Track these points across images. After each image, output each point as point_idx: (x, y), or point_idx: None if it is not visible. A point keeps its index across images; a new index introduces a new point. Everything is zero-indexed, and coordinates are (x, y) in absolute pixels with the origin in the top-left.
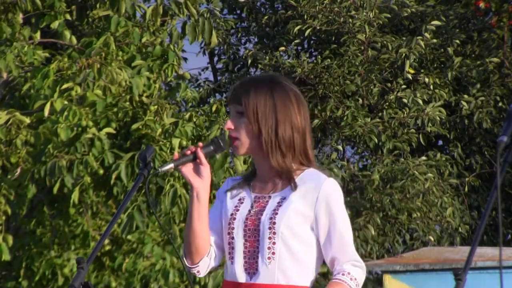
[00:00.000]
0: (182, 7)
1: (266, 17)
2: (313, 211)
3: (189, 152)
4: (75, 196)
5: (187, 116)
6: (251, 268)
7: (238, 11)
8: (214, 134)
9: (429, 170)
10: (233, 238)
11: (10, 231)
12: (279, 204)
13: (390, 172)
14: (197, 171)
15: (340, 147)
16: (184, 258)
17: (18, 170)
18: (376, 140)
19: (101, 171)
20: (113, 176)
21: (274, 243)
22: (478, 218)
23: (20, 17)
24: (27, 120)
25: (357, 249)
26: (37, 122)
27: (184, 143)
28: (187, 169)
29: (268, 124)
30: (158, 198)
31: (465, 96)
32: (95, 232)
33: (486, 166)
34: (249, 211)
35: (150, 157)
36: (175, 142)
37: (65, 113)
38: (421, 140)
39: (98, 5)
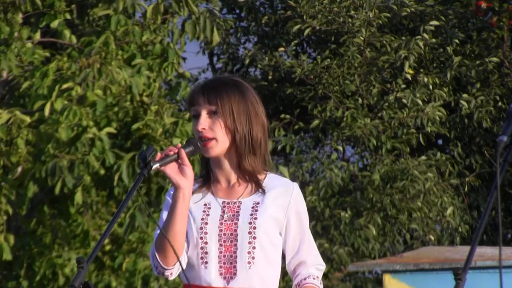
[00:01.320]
0: (183, 5)
1: (265, 17)
2: (284, 216)
3: (171, 152)
4: (78, 198)
5: (187, 116)
6: (228, 272)
7: (237, 11)
8: None
9: (429, 170)
10: (206, 242)
11: (11, 231)
12: (255, 209)
13: (390, 172)
14: (181, 171)
15: (340, 147)
16: (158, 259)
17: (19, 169)
18: (375, 142)
19: (102, 171)
20: (116, 177)
21: (254, 247)
22: (478, 217)
23: (19, 16)
24: (28, 119)
25: (358, 249)
26: (37, 122)
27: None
28: (171, 169)
29: (243, 124)
30: (159, 198)
31: (465, 95)
32: (95, 232)
33: (486, 165)
34: (221, 216)
35: (150, 157)
36: (176, 142)
37: (65, 112)
38: (421, 140)
39: (98, 4)
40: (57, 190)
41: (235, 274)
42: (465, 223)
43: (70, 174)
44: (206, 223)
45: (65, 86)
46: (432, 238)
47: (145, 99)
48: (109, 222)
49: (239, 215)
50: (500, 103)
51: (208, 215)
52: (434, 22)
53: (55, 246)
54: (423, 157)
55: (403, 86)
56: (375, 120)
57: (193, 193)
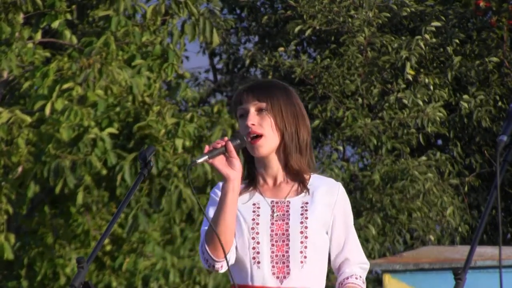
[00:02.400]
0: (183, 6)
1: (266, 17)
2: (331, 215)
3: (219, 145)
4: (79, 198)
5: (188, 116)
6: (281, 272)
7: (238, 11)
8: (216, 135)
9: (429, 170)
10: (258, 242)
11: (11, 230)
12: (305, 208)
13: (390, 172)
14: (229, 163)
15: (340, 147)
16: (209, 252)
17: (19, 169)
18: (375, 142)
19: (104, 171)
20: (118, 178)
21: (306, 247)
22: (478, 217)
23: (20, 17)
24: (29, 119)
25: None
26: (38, 122)
27: (188, 143)
28: (220, 162)
29: (291, 123)
30: (161, 198)
31: (465, 96)
32: (96, 232)
33: (485, 165)
34: (272, 216)
35: (150, 157)
36: (178, 142)
37: (66, 113)
38: (421, 140)
39: (98, 5)
40: (57, 189)
41: (288, 273)
42: (465, 223)
43: (72, 174)
44: (257, 223)
45: (65, 86)
46: (432, 238)
47: (147, 99)
48: (109, 222)
49: (289, 214)
50: (500, 103)
51: (258, 215)
52: (435, 23)
53: (55, 246)
54: (423, 157)
55: (404, 86)
56: (376, 120)
57: (239, 194)
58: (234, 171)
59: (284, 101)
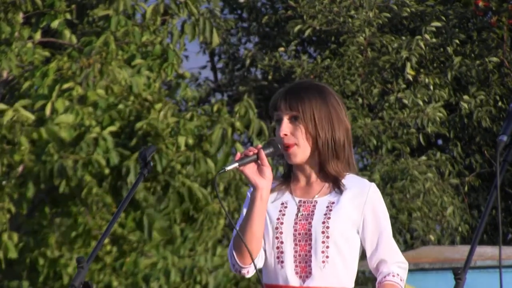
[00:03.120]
0: (183, 6)
1: (266, 17)
2: (360, 215)
3: (251, 153)
4: (84, 194)
5: (188, 116)
6: (303, 271)
7: (239, 11)
8: (216, 134)
9: (429, 170)
10: (282, 242)
11: (13, 230)
12: (329, 208)
13: (390, 172)
14: (259, 171)
15: None
16: (236, 258)
17: (20, 168)
18: (375, 142)
19: (107, 171)
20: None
21: (327, 247)
22: (478, 217)
23: (20, 16)
24: (32, 117)
25: None
26: (38, 121)
27: (190, 141)
28: (250, 170)
29: (325, 129)
30: (165, 196)
31: (465, 96)
32: (97, 232)
33: (485, 165)
34: (296, 215)
35: (150, 157)
36: (181, 140)
37: (68, 112)
38: (421, 140)
39: (98, 5)
40: (61, 188)
41: (310, 273)
42: (465, 223)
43: (75, 174)
44: (282, 223)
45: (65, 86)
46: (432, 238)
47: (149, 97)
48: (109, 222)
49: (313, 214)
50: (500, 103)
51: (284, 214)
52: (436, 23)
53: (59, 246)
54: (423, 157)
55: (404, 86)
56: (376, 120)
57: (272, 191)
58: (264, 179)
59: (317, 107)
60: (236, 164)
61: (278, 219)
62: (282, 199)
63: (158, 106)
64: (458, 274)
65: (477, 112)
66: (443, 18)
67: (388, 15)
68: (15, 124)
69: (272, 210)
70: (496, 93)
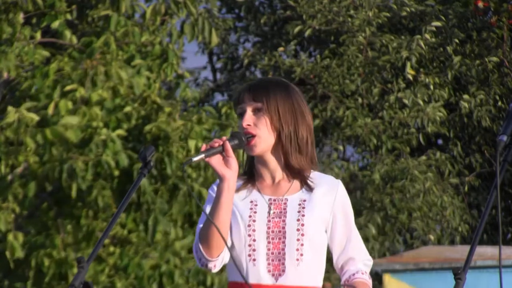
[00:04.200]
0: (182, 6)
1: (264, 17)
2: (330, 213)
3: (216, 144)
4: (93, 195)
5: (194, 118)
6: (276, 269)
7: (237, 11)
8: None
9: (428, 169)
10: (254, 240)
11: (18, 230)
12: (302, 206)
13: (390, 171)
14: (225, 162)
15: (340, 147)
16: (202, 251)
17: (21, 167)
18: (376, 141)
19: (116, 172)
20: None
21: (302, 244)
22: (478, 217)
23: (20, 16)
24: (36, 118)
25: None
26: (41, 121)
27: (200, 144)
28: (216, 161)
29: (288, 123)
30: (172, 199)
31: (465, 96)
32: (101, 233)
33: (485, 165)
34: (268, 213)
35: (150, 157)
36: (191, 143)
37: (74, 114)
38: (421, 139)
39: (98, 5)
40: (73, 192)
41: (283, 271)
42: (465, 223)
43: (85, 175)
44: (254, 221)
45: (68, 88)
46: (432, 237)
47: (158, 99)
48: (109, 222)
49: (286, 212)
50: (499, 103)
51: (255, 212)
52: (436, 23)
53: (62, 246)
54: (423, 157)
55: (404, 86)
56: (376, 120)
57: (238, 190)
58: (230, 170)
59: (282, 100)
60: (203, 155)
61: (250, 216)
62: (250, 197)
63: (168, 109)
64: (458, 274)
65: (477, 111)
66: (443, 17)
67: (387, 14)
68: (20, 125)
69: (242, 208)
70: (496, 93)
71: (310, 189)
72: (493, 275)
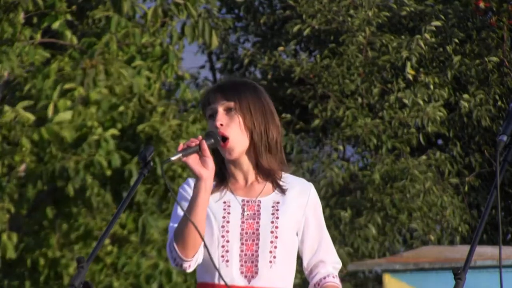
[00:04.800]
0: (182, 8)
1: (264, 17)
2: (302, 216)
3: (193, 144)
4: (88, 195)
5: (190, 118)
6: (249, 271)
7: (236, 11)
8: None
9: (428, 169)
10: (228, 241)
11: (13, 230)
12: (276, 208)
13: (390, 171)
14: (202, 162)
15: (340, 147)
16: (177, 251)
17: (21, 167)
18: (376, 141)
19: (109, 172)
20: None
21: (275, 247)
22: (477, 217)
23: (21, 17)
24: (33, 117)
25: (358, 248)
26: (39, 122)
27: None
28: (193, 160)
29: (260, 122)
30: (165, 199)
31: (465, 96)
32: (98, 233)
33: (485, 164)
34: (242, 214)
35: (150, 157)
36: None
37: (71, 113)
38: (421, 139)
39: (99, 6)
40: (70, 191)
41: (256, 273)
42: (464, 223)
43: (77, 175)
44: (228, 222)
45: (67, 86)
46: (432, 238)
47: (152, 99)
48: (109, 222)
49: (260, 214)
50: (499, 102)
51: (229, 213)
52: (435, 23)
53: (57, 246)
54: (423, 157)
55: (404, 86)
56: (376, 120)
57: (212, 191)
58: (207, 170)
59: (253, 100)
60: (180, 155)
61: (223, 217)
62: (224, 198)
63: (160, 109)
64: (458, 274)
65: (477, 111)
66: (443, 17)
67: (387, 14)
68: (16, 124)
69: (216, 209)
70: (496, 93)
71: (282, 191)
72: (493, 275)
